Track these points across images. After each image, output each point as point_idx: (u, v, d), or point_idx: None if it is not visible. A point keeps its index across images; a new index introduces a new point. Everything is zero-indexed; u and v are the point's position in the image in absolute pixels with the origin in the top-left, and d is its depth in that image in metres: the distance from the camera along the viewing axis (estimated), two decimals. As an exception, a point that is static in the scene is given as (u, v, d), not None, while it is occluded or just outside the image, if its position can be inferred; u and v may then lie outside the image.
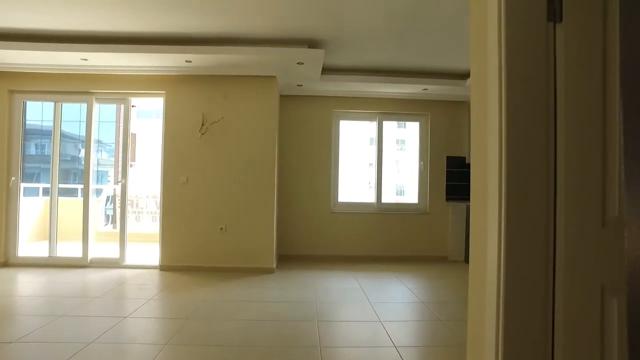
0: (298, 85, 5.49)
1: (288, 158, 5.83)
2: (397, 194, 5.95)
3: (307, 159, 5.85)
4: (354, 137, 6.07)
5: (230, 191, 4.88)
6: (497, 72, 1.43)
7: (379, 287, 4.27)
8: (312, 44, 4.29)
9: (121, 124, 5.37)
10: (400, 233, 5.90)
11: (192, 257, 4.84)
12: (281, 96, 5.81)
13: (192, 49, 4.22)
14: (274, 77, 4.89)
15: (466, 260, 5.22)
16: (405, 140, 6.21)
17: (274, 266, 4.90)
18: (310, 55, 4.28)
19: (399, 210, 5.98)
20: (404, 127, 6.48)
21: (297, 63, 4.46)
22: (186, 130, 4.88)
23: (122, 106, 5.09)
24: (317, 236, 5.83)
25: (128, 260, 4.97)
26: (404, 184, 6.01)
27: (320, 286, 4.25)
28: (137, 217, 8.22)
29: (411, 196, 6.12)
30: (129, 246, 5.08)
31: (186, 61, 4.44)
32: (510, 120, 1.39)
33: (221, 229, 4.86)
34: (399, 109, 5.97)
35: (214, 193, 4.88)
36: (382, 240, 5.88)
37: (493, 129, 1.46)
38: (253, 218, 4.87)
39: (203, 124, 4.87)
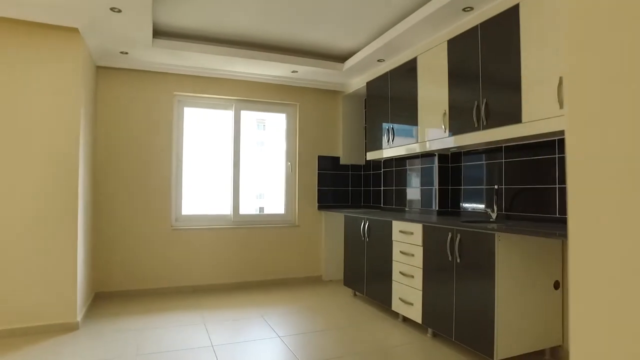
0: (122, 53, 3.88)
1: (109, 155, 4.14)
2: (258, 198, 4.78)
3: (138, 158, 4.25)
4: (205, 129, 4.68)
5: (7, 207, 3.05)
6: None
7: (238, 341, 2.99)
8: (134, -20, 2.81)
9: None
10: (264, 251, 4.72)
11: None
12: (98, 67, 4.10)
13: None
14: (76, 30, 3.22)
15: (346, 282, 4.29)
16: (264, 141, 5.09)
17: (78, 319, 3.23)
18: (131, -3, 2.79)
19: (262, 223, 4.79)
20: (264, 128, 5.38)
21: (111, 9, 2.92)
22: None
23: None
24: (152, 262, 4.27)
25: None
26: (266, 191, 4.83)
27: (149, 349, 2.78)
28: None
29: (276, 205, 4.99)
30: None
31: None
32: None
33: (-19, 267, 3.01)
34: (262, 96, 4.78)
35: (-33, 210, 2.99)
36: (241, 262, 4.61)
37: None
38: (41, 248, 3.12)
39: (-55, 97, 2.95)
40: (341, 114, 5.08)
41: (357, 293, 4.27)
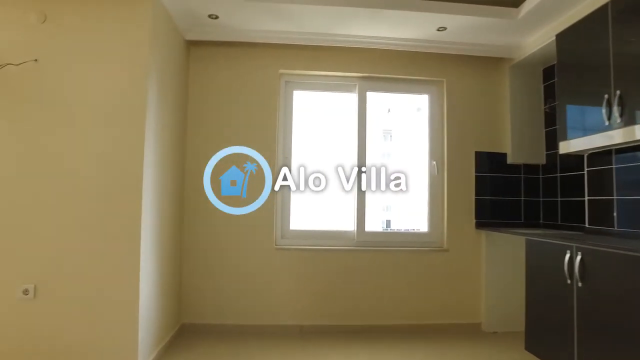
0: (211, 17, 2.99)
1: (196, 155, 3.30)
2: (385, 210, 3.55)
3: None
4: (317, 119, 3.59)
5: (46, 215, 2.31)
6: None
7: None
8: None
9: None
10: (397, 284, 3.38)
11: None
12: (190, 43, 3.30)
13: None
14: (145, -23, 2.38)
15: (530, 345, 2.71)
16: (393, 132, 3.90)
17: (140, 371, 2.31)
18: None
19: (396, 245, 3.48)
20: (390, 137, 4.18)
21: None
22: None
23: None
24: (249, 290, 3.26)
25: None
26: (396, 200, 3.55)
27: None
28: None
29: (416, 221, 3.63)
30: None
31: None
32: None
33: (26, 291, 2.28)
34: (395, 71, 3.51)
35: (8, 218, 2.30)
36: (364, 298, 3.34)
37: None
38: (99, 268, 2.30)
39: (-8, 72, 2.33)
40: (508, 91, 3.52)
41: (549, 366, 2.65)
